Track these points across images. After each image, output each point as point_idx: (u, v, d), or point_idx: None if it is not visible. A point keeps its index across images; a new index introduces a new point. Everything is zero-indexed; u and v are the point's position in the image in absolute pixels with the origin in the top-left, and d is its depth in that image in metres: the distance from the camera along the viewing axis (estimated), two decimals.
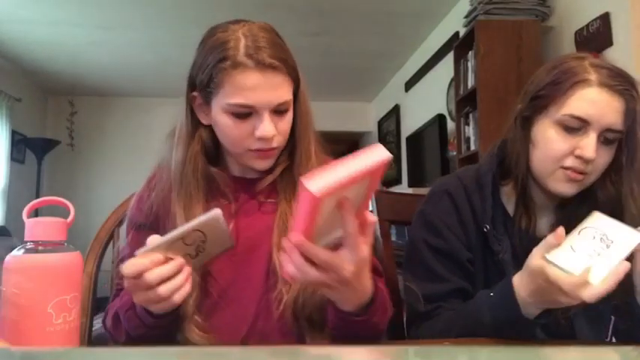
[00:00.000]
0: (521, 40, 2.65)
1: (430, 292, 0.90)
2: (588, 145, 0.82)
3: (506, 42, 2.66)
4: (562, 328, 0.85)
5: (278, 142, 0.84)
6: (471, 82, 2.86)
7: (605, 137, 0.83)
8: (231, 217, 0.85)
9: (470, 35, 2.79)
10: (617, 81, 0.82)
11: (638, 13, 2.10)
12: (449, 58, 3.42)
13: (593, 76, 0.83)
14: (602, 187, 0.88)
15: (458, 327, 0.82)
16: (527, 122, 0.90)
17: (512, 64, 2.64)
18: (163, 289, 0.65)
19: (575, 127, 0.83)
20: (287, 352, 0.41)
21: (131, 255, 0.78)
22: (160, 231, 0.82)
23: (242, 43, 0.79)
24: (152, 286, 0.65)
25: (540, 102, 0.88)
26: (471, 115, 2.91)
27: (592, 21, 2.30)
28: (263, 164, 0.86)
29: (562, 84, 0.84)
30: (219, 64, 0.79)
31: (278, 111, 0.82)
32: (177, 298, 0.67)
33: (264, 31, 0.82)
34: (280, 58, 0.80)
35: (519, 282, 0.75)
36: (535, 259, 0.71)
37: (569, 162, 0.84)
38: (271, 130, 0.81)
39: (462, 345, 0.74)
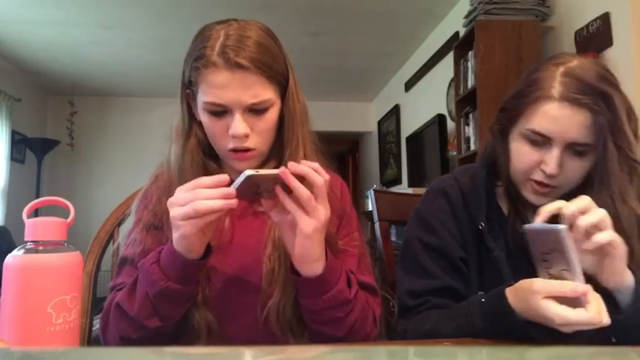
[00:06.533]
0: (521, 40, 2.65)
1: (418, 287, 0.91)
2: (550, 160, 0.82)
3: (506, 42, 2.66)
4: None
5: (255, 142, 0.83)
6: (470, 82, 2.86)
7: (575, 149, 0.82)
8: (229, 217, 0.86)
9: (470, 35, 2.79)
10: (583, 93, 0.79)
11: (638, 13, 2.10)
12: (449, 58, 3.42)
13: (556, 90, 0.80)
14: (597, 193, 0.85)
15: (448, 328, 0.81)
16: (503, 132, 0.91)
17: (512, 64, 2.64)
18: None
19: (539, 141, 0.83)
20: (278, 352, 0.41)
21: (145, 254, 0.78)
22: (165, 228, 0.83)
23: (219, 42, 0.79)
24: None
25: (508, 114, 0.89)
26: (470, 115, 2.91)
27: (592, 21, 2.30)
28: (242, 165, 0.83)
29: (526, 98, 0.84)
30: (195, 63, 0.80)
31: (254, 110, 0.81)
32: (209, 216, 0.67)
33: (251, 31, 0.81)
34: (255, 59, 0.78)
35: (512, 297, 0.74)
36: (538, 299, 0.69)
37: (537, 175, 0.85)
38: (242, 128, 0.80)
39: (462, 345, 0.74)
